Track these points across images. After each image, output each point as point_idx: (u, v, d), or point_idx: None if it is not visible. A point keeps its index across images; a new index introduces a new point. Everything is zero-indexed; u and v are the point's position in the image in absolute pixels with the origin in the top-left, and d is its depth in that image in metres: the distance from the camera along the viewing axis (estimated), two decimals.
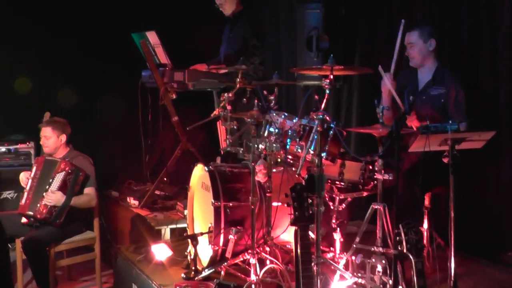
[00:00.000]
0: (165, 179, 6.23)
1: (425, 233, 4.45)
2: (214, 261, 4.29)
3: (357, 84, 6.06)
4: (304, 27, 5.79)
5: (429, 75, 4.59)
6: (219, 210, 4.24)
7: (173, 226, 5.52)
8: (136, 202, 6.09)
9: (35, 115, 6.02)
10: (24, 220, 5.31)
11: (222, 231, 4.23)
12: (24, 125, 6.57)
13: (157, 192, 6.21)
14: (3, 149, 6.57)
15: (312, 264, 3.59)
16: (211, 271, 4.24)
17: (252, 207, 4.07)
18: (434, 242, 4.47)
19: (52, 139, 5.45)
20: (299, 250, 3.23)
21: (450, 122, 3.63)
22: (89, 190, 5.37)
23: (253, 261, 4.01)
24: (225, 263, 4.20)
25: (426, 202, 4.51)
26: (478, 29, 4.99)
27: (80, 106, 6.95)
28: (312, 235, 4.31)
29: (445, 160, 3.77)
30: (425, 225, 4.47)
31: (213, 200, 4.24)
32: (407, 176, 4.23)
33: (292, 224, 3.24)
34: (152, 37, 5.90)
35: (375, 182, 3.98)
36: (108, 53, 6.99)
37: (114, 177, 7.06)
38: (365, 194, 4.23)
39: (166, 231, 5.51)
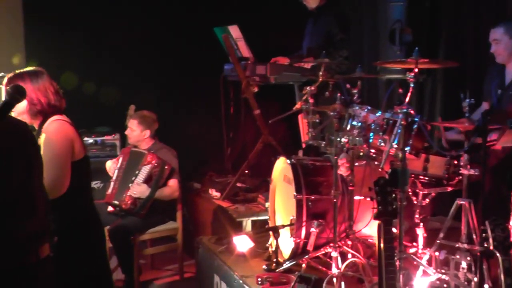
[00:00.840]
0: (246, 171, 6.28)
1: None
2: (296, 254, 4.32)
3: (441, 77, 5.94)
4: (387, 20, 5.73)
5: None
6: (301, 203, 4.25)
7: (254, 218, 5.57)
8: (218, 194, 6.16)
9: (121, 108, 6.21)
10: (110, 209, 5.49)
11: (304, 224, 4.25)
12: (110, 117, 6.75)
13: (238, 185, 6.27)
14: (90, 140, 6.77)
15: (395, 259, 3.58)
16: (292, 263, 4.27)
17: (335, 200, 4.08)
18: None
19: (136, 132, 5.60)
20: (382, 245, 3.20)
21: None
22: (172, 182, 5.50)
23: (334, 254, 4.02)
24: (307, 256, 4.22)
25: None
26: None
27: (164, 100, 7.08)
28: (395, 229, 4.31)
29: None
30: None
31: (295, 193, 4.26)
32: (494, 172, 4.13)
33: (375, 218, 3.21)
34: (234, 31, 5.96)
35: (460, 177, 3.90)
36: (191, 47, 7.09)
37: (196, 169, 7.18)
38: (449, 189, 4.14)
39: (247, 223, 5.56)
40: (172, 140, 6.18)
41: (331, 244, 4.09)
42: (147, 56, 7.06)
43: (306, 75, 5.63)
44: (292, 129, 6.50)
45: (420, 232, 4.19)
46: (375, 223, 3.28)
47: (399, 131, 3.69)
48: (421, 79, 5.79)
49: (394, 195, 3.28)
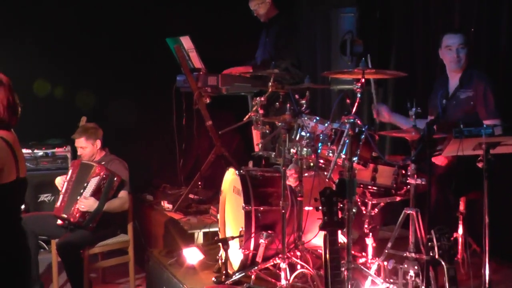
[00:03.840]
0: (199, 183, 6.24)
1: (460, 239, 4.38)
2: (245, 265, 4.28)
3: (391, 87, 5.99)
4: (339, 31, 5.75)
5: (456, 80, 4.52)
6: (249, 214, 4.23)
7: (206, 230, 5.51)
8: (170, 206, 6.11)
9: (72, 120, 6.09)
10: (59, 222, 5.38)
11: (252, 235, 4.22)
12: (61, 129, 6.64)
13: (191, 196, 6.22)
14: (41, 153, 6.66)
15: (343, 269, 3.57)
16: (241, 275, 4.23)
17: (283, 211, 4.06)
18: (469, 249, 4.39)
19: (88, 148, 5.51)
20: (328, 255, 3.19)
21: (485, 126, 3.56)
22: (122, 194, 5.40)
23: (283, 265, 4.00)
24: (256, 268, 4.19)
25: (461, 208, 4.43)
26: None
27: (116, 111, 6.98)
28: (343, 239, 4.32)
29: (480, 165, 3.69)
30: (460, 230, 4.40)
31: (243, 204, 4.23)
32: (440, 181, 4.16)
33: (321, 229, 3.21)
34: (186, 42, 5.94)
35: (408, 186, 3.92)
36: (143, 58, 7.03)
37: (149, 181, 7.11)
38: (398, 199, 4.16)
39: (199, 235, 5.50)
40: (124, 152, 6.11)
41: (280, 255, 4.06)
42: (99, 67, 6.96)
43: (257, 86, 5.63)
44: (246, 140, 6.51)
45: (369, 242, 4.20)
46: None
47: (346, 141, 3.68)
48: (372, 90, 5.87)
49: (340, 205, 3.28)
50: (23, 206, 4.78)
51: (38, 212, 5.89)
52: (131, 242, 5.59)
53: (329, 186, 3.59)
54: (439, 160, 4.29)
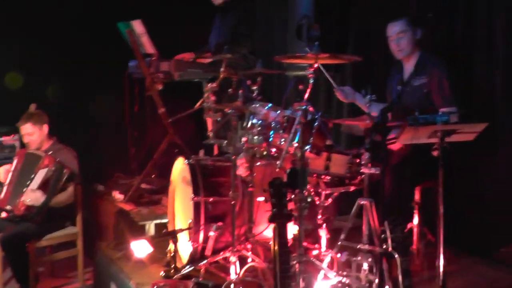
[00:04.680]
0: (152, 172, 6.05)
1: (415, 229, 4.28)
2: (194, 259, 4.11)
3: (349, 74, 5.86)
4: (295, 16, 5.59)
5: (411, 66, 4.41)
6: (199, 205, 4.06)
7: (158, 221, 5.33)
8: (122, 196, 5.89)
9: (20, 108, 5.86)
10: (3, 214, 5.14)
11: (202, 227, 4.05)
12: (8, 117, 6.38)
13: (143, 186, 6.03)
14: None
15: (294, 262, 3.44)
16: (190, 269, 4.06)
17: (233, 202, 3.89)
18: (424, 239, 4.29)
19: (35, 134, 5.28)
20: (277, 249, 3.04)
21: (440, 113, 3.44)
22: (71, 187, 5.19)
23: (233, 259, 3.84)
24: (205, 261, 4.02)
25: (416, 197, 4.32)
26: (474, 17, 4.81)
27: (66, 97, 6.75)
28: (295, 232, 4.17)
29: (435, 153, 3.58)
30: (415, 221, 4.29)
31: (192, 195, 4.06)
32: (395, 170, 4.04)
33: (270, 221, 3.06)
34: (137, 26, 5.71)
35: (363, 176, 3.78)
36: (95, 43, 6.78)
37: (101, 171, 6.88)
38: (352, 188, 4.02)
39: (150, 227, 5.32)
40: (75, 140, 5.90)
41: (230, 248, 3.90)
42: (49, 54, 6.70)
43: (210, 72, 5.44)
44: (201, 128, 6.32)
45: (323, 233, 4.07)
46: None
47: (298, 129, 3.53)
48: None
49: (291, 196, 3.14)
50: None
51: None
52: (80, 235, 5.40)
53: (281, 175, 3.45)
54: (394, 146, 4.16)
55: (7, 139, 6.39)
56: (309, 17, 5.39)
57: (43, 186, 4.97)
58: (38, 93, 6.45)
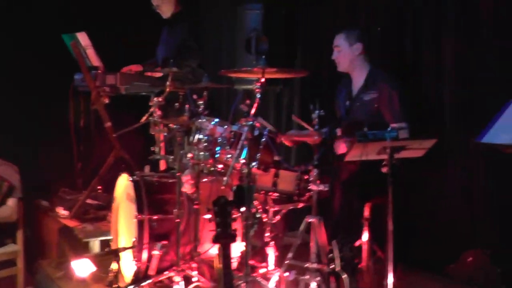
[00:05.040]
0: (98, 187, 5.88)
1: (364, 246, 4.21)
2: (137, 279, 3.97)
3: (298, 88, 5.80)
4: (244, 29, 5.51)
5: (361, 80, 4.36)
6: (143, 223, 3.93)
7: (103, 238, 5.15)
8: (66, 213, 5.70)
9: None
10: None
11: (145, 246, 3.91)
12: None
13: (89, 202, 5.85)
14: None
15: (240, 282, 3.35)
16: None
17: (177, 220, 3.77)
18: (374, 256, 4.23)
19: None
20: (220, 270, 2.94)
21: (389, 129, 3.38)
22: (11, 202, 5.00)
23: (177, 278, 3.72)
24: (149, 281, 3.88)
25: (366, 213, 4.26)
26: (421, 28, 4.81)
27: (10, 110, 6.52)
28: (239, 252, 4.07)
29: (384, 170, 3.52)
30: (365, 237, 4.22)
31: (136, 213, 3.92)
32: (345, 186, 3.98)
33: (214, 241, 2.95)
34: (83, 38, 5.56)
35: (311, 192, 3.71)
36: (40, 55, 6.59)
37: (46, 186, 6.67)
38: (301, 205, 3.94)
39: (94, 244, 5.14)
40: (18, 154, 5.70)
41: (175, 268, 3.77)
42: None
43: (156, 86, 5.32)
44: (150, 142, 6.19)
45: (271, 251, 3.98)
46: None
47: (244, 144, 3.44)
48: (278, 90, 5.69)
49: (236, 215, 3.04)
50: None
51: None
52: (20, 253, 5.18)
53: (227, 193, 3.36)
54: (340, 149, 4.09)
55: None
56: (258, 30, 5.33)
57: None
58: None
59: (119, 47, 6.41)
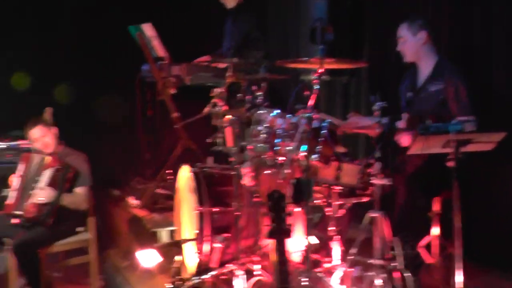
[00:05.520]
0: (169, 177, 5.93)
1: (434, 242, 4.07)
2: (200, 271, 3.97)
3: (365, 78, 5.66)
4: (309, 19, 5.42)
5: (428, 71, 4.19)
6: (203, 216, 3.91)
7: (171, 228, 5.18)
8: (137, 202, 5.80)
9: (35, 112, 5.80)
10: (14, 220, 5.06)
11: (207, 238, 3.90)
12: (24, 121, 6.35)
13: (159, 191, 5.92)
14: (4, 145, 6.35)
15: (301, 278, 3.29)
16: (196, 281, 3.92)
17: (236, 213, 3.74)
18: (444, 252, 4.08)
19: (48, 135, 5.18)
20: (276, 266, 2.89)
21: (453, 122, 3.24)
22: (80, 190, 5.08)
23: (239, 272, 3.69)
24: (210, 274, 3.88)
25: (436, 208, 4.12)
26: (491, 21, 4.59)
27: (81, 102, 6.68)
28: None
29: (449, 164, 3.38)
30: (435, 232, 4.08)
31: (197, 205, 3.92)
32: (410, 181, 3.85)
33: (268, 236, 2.90)
34: (148, 29, 5.62)
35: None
36: (110, 48, 6.71)
37: (118, 176, 6.81)
38: (365, 199, 3.84)
39: (162, 234, 5.19)
40: (89, 145, 5.81)
41: (235, 261, 3.75)
42: (62, 58, 6.66)
43: (221, 77, 5.30)
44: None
45: (335, 245, 3.89)
46: None
47: (302, 136, 3.37)
48: (344, 81, 5.57)
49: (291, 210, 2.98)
50: None
51: None
52: (92, 241, 5.28)
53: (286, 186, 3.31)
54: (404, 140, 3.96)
55: (23, 143, 6.33)
56: (323, 20, 5.21)
57: (50, 184, 4.89)
58: (52, 99, 6.40)
59: (188, 38, 6.45)
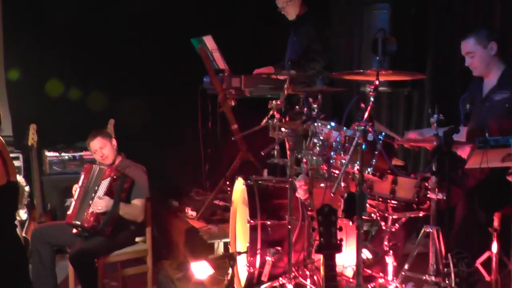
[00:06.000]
0: (228, 189, 5.93)
1: (493, 258, 3.92)
2: (251, 284, 3.94)
3: (428, 89, 5.52)
4: (370, 29, 5.34)
5: (494, 80, 4.05)
6: (255, 228, 3.88)
7: (228, 239, 5.17)
8: (194, 213, 5.81)
9: (99, 123, 5.91)
10: (74, 230, 5.16)
11: (258, 251, 3.87)
12: (89, 133, 6.49)
13: (217, 203, 5.93)
14: (68, 156, 6.53)
15: None
16: None
17: (289, 226, 3.69)
18: (504, 268, 3.92)
19: (107, 146, 5.26)
20: (324, 282, 2.83)
21: None
22: (138, 202, 5.13)
23: (289, 286, 3.64)
24: (261, 287, 3.84)
25: (496, 223, 3.96)
26: None
27: (143, 114, 6.75)
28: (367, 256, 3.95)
29: (510, 178, 3.25)
30: (494, 249, 3.93)
31: (249, 218, 3.89)
32: (470, 195, 3.72)
33: (316, 251, 2.84)
34: (209, 41, 5.66)
35: None
36: (172, 60, 6.79)
37: (178, 187, 6.86)
38: (421, 214, 3.74)
39: (219, 245, 5.19)
40: (155, 156, 5.89)
41: (287, 275, 3.70)
42: (127, 70, 6.75)
43: (281, 89, 5.27)
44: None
45: (390, 260, 3.80)
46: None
47: (356, 149, 3.30)
48: (406, 92, 5.46)
49: (339, 226, 2.91)
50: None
51: (53, 222, 5.69)
52: (149, 252, 5.32)
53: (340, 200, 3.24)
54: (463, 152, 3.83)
55: (87, 154, 6.46)
56: (385, 30, 5.12)
57: (108, 195, 4.96)
58: (115, 110, 6.51)
59: (250, 50, 6.46)
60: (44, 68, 6.59)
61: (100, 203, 4.92)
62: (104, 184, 4.97)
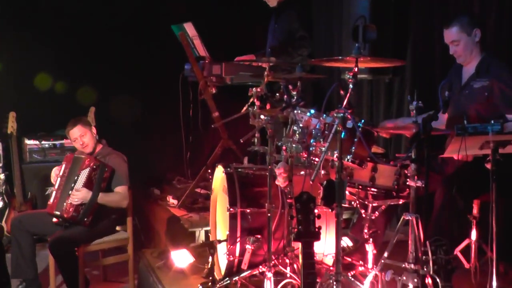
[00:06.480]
0: (209, 177, 5.91)
1: (473, 245, 3.94)
2: (231, 272, 3.93)
3: (409, 77, 5.52)
4: (350, 16, 5.31)
5: (473, 68, 4.05)
6: (235, 216, 3.87)
7: (208, 228, 5.16)
8: (176, 201, 5.79)
9: (80, 111, 5.87)
10: (55, 219, 5.12)
11: (238, 240, 3.85)
12: (69, 120, 6.44)
13: (198, 191, 5.91)
14: (49, 144, 6.48)
15: (331, 281, 3.22)
16: (226, 282, 3.88)
17: (269, 214, 3.68)
18: (483, 256, 3.95)
19: (87, 135, 5.21)
20: (302, 270, 2.82)
21: (492, 122, 3.11)
22: (120, 189, 5.09)
23: (269, 274, 3.63)
24: (240, 275, 3.83)
25: (475, 211, 3.99)
26: None
27: (123, 101, 6.71)
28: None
29: (488, 166, 3.26)
30: (473, 236, 3.95)
31: (228, 206, 3.87)
32: (449, 182, 3.72)
33: (295, 239, 2.83)
34: (189, 28, 5.62)
35: None
36: (149, 47, 6.76)
37: (161, 175, 6.83)
38: (401, 201, 3.73)
39: (200, 234, 5.17)
40: (135, 145, 5.84)
41: (266, 263, 3.69)
42: (107, 57, 6.71)
43: (260, 76, 5.25)
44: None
45: (370, 248, 3.79)
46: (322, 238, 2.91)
47: (334, 137, 3.29)
48: (387, 80, 5.45)
49: (317, 214, 2.90)
50: None
51: (33, 211, 5.65)
52: (130, 240, 5.29)
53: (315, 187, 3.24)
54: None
55: (68, 142, 6.41)
56: (365, 17, 5.10)
57: (87, 185, 4.91)
58: (96, 98, 6.47)
59: (232, 37, 6.43)
60: (24, 56, 6.56)
61: (77, 195, 4.88)
62: (84, 175, 4.92)
